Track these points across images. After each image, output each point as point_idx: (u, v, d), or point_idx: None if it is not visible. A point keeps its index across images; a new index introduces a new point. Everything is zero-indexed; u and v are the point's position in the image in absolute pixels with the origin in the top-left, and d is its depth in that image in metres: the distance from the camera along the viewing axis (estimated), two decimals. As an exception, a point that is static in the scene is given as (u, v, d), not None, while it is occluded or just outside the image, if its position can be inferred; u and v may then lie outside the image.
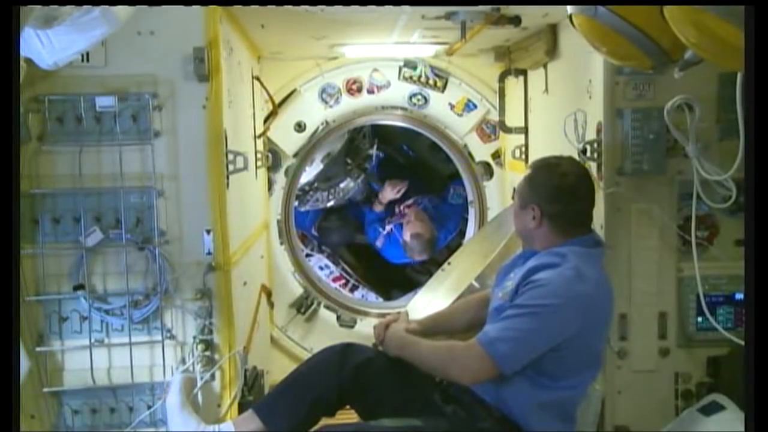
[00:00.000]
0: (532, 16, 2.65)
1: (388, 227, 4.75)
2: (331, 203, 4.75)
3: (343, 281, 4.60)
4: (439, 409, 2.03)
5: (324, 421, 2.16)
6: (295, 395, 2.12)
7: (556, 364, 1.92)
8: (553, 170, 2.08)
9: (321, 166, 4.61)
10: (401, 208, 4.75)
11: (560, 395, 1.96)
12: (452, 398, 2.04)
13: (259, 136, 3.31)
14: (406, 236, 4.53)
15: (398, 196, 4.73)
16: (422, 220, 4.55)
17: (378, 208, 4.80)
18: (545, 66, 2.95)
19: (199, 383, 2.29)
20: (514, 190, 3.54)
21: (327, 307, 3.84)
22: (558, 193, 2.04)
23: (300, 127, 3.67)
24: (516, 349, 1.87)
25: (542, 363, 1.91)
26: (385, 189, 4.71)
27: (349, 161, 4.73)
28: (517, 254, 2.21)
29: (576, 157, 2.42)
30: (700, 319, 2.33)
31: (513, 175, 3.61)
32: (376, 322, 2.32)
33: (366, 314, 3.89)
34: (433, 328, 2.33)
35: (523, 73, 3.30)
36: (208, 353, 2.30)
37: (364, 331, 3.81)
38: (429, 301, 3.51)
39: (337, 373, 2.14)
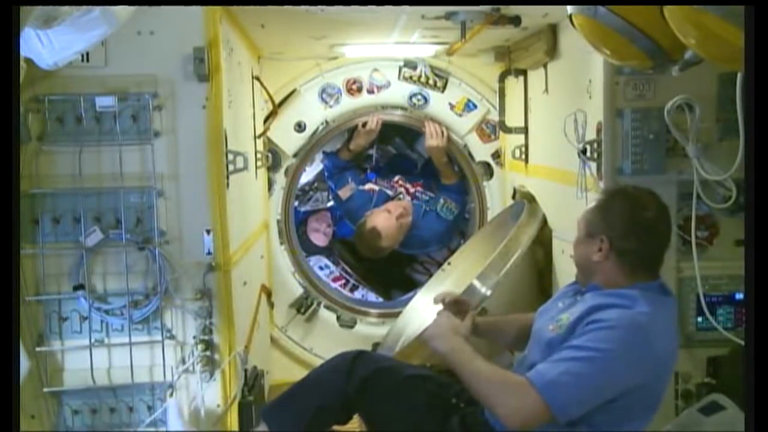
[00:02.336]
0: (532, 16, 2.65)
1: (372, 185, 4.11)
2: (331, 203, 4.74)
3: (343, 281, 4.59)
4: None
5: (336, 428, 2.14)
6: (300, 401, 2.10)
7: (608, 415, 1.74)
8: (630, 201, 1.88)
9: (321, 166, 4.61)
10: (397, 181, 4.20)
11: None
12: (471, 430, 1.95)
13: (259, 136, 3.31)
14: (369, 223, 3.81)
15: (371, 145, 4.14)
16: (400, 222, 3.84)
17: (345, 156, 4.07)
18: (545, 66, 2.95)
19: (200, 384, 2.29)
20: (515, 190, 3.57)
21: (327, 307, 3.84)
22: (634, 228, 1.85)
23: (300, 127, 3.67)
24: (577, 396, 1.67)
25: (592, 411, 1.71)
26: (357, 134, 3.89)
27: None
28: (568, 286, 2.06)
29: (576, 157, 2.42)
30: (700, 319, 2.33)
31: (513, 175, 3.61)
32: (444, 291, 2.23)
33: (366, 314, 3.89)
34: (487, 331, 2.24)
35: (523, 73, 3.30)
36: (208, 353, 2.30)
37: (364, 331, 3.82)
38: (429, 301, 3.51)
39: (344, 382, 2.08)
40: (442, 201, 3.99)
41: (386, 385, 2.07)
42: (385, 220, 3.79)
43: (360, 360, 2.14)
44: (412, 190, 4.19)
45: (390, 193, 4.11)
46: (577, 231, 1.98)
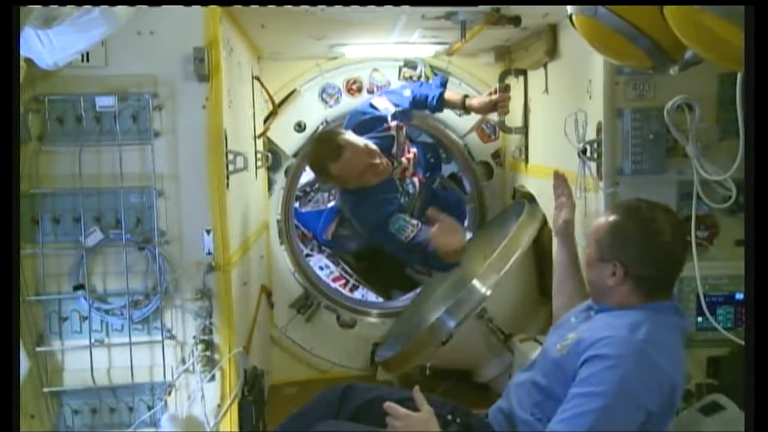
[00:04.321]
0: (532, 16, 2.65)
1: (396, 126, 3.11)
2: (331, 203, 4.74)
3: (343, 281, 4.60)
4: None
5: None
6: None
7: None
8: (646, 225, 1.82)
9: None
10: (410, 154, 3.26)
11: None
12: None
13: (259, 136, 3.31)
14: (342, 136, 2.93)
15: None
16: (371, 165, 2.91)
17: (452, 99, 3.31)
18: (545, 66, 2.95)
19: (200, 384, 2.29)
20: (515, 190, 3.57)
21: (327, 307, 3.84)
22: (651, 255, 1.81)
23: (300, 127, 3.67)
24: None
25: None
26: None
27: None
28: (585, 305, 2.03)
29: (576, 157, 2.42)
30: (700, 319, 2.33)
31: (513, 175, 3.61)
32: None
33: (366, 314, 3.89)
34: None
35: (523, 73, 3.30)
36: (208, 353, 2.30)
37: (364, 331, 3.82)
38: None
39: (335, 417, 2.09)
40: (405, 217, 2.96)
41: (378, 414, 2.00)
42: (360, 152, 2.87)
43: (350, 392, 2.15)
44: (408, 173, 3.24)
45: (393, 148, 3.10)
46: (587, 245, 1.93)
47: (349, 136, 2.94)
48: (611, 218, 1.88)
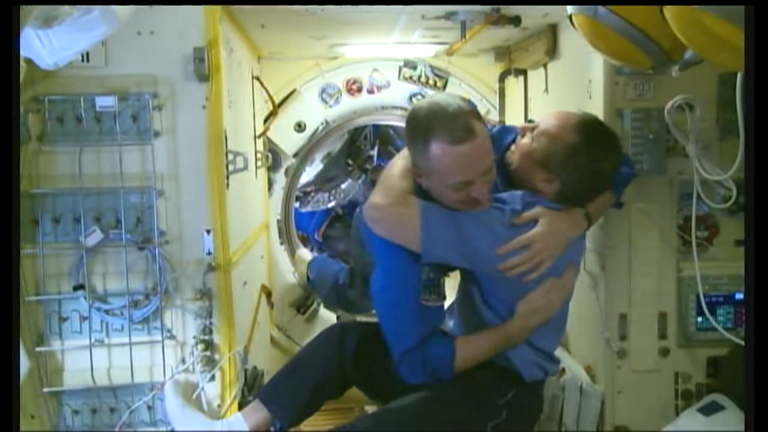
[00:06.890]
0: (532, 16, 2.65)
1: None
2: (332, 204, 4.74)
3: (343, 281, 4.59)
4: None
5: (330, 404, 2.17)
6: (296, 380, 2.10)
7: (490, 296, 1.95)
8: (599, 160, 1.90)
9: (321, 166, 4.61)
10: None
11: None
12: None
13: (259, 136, 3.31)
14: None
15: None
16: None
17: None
18: (545, 66, 2.95)
19: (200, 384, 2.29)
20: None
21: (327, 307, 3.84)
22: (588, 187, 1.96)
23: (300, 127, 3.68)
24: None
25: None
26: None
27: (350, 162, 4.72)
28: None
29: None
30: (700, 319, 2.34)
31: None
32: None
33: (366, 314, 3.89)
34: None
35: (523, 73, 3.30)
36: (208, 353, 2.30)
37: (364, 331, 3.81)
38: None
39: (338, 354, 2.10)
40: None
41: (379, 347, 2.03)
42: (483, 162, 1.84)
43: (348, 328, 2.16)
44: None
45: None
46: (536, 138, 1.93)
47: (487, 137, 1.87)
48: (575, 138, 1.88)
